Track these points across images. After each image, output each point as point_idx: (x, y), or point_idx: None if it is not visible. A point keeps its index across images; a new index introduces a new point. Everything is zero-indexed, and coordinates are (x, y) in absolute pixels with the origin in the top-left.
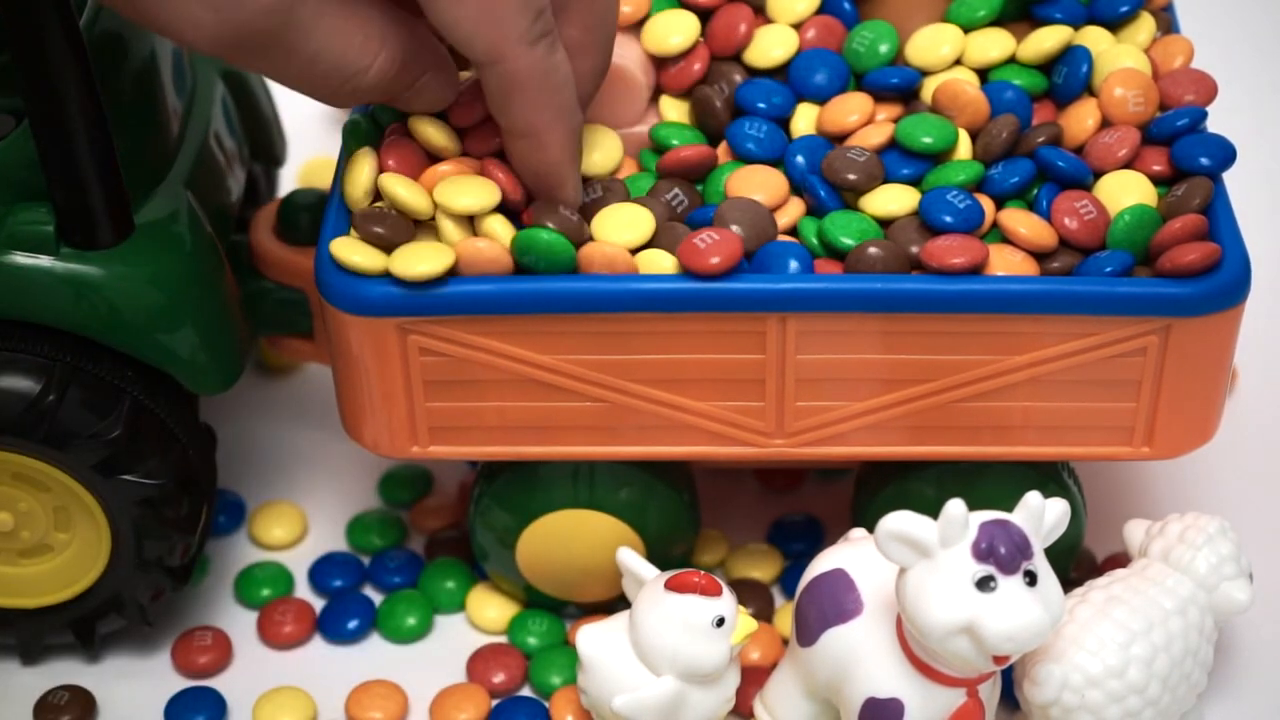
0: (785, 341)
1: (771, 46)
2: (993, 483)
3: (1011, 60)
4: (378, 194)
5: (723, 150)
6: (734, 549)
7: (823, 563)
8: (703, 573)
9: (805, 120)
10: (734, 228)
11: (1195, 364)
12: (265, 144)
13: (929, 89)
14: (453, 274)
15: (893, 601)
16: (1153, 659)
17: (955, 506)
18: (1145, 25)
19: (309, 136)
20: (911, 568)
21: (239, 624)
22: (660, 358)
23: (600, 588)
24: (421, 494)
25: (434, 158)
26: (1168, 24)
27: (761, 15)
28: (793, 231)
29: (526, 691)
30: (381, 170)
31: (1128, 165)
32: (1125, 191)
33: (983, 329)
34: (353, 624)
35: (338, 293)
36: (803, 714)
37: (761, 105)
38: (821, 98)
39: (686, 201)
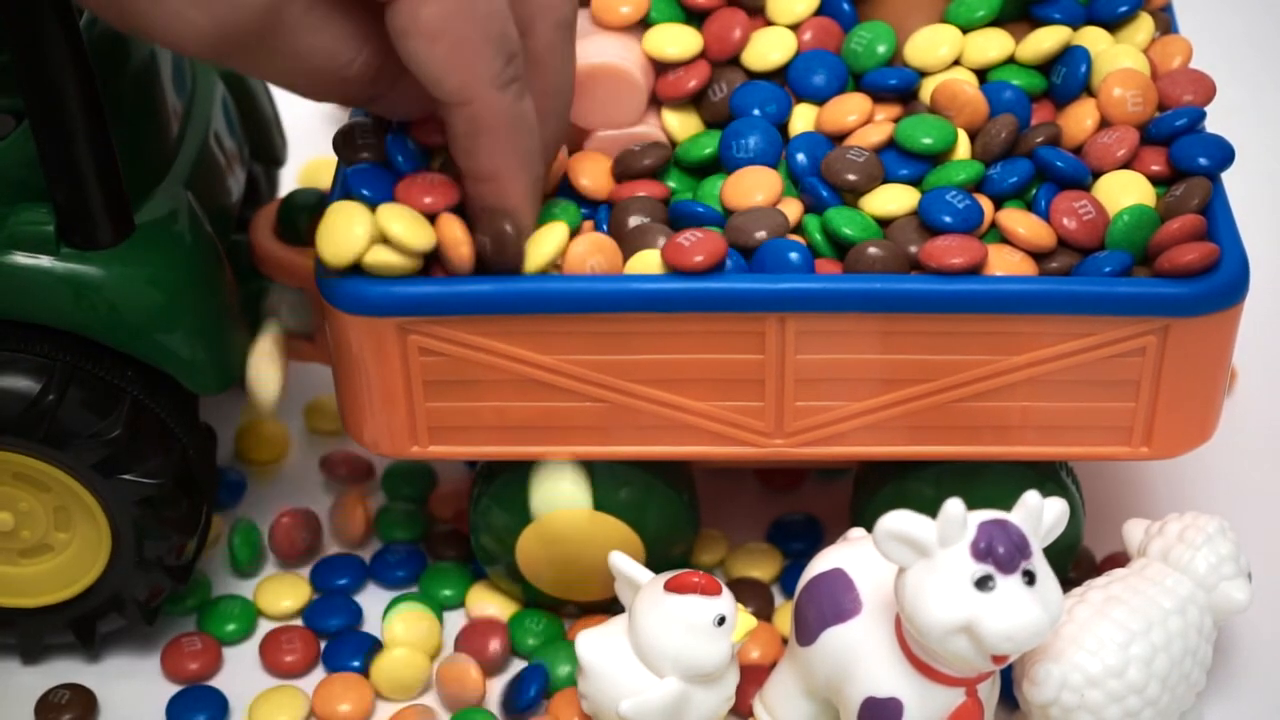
0: (784, 341)
1: (770, 49)
2: (992, 482)
3: (1010, 60)
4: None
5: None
6: (734, 549)
7: (822, 562)
8: (700, 573)
9: (803, 121)
10: (759, 234)
11: (1194, 364)
12: (265, 144)
13: (928, 89)
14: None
15: (891, 601)
16: (1152, 659)
17: (954, 506)
18: (1144, 25)
19: (309, 136)
20: (910, 567)
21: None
22: (660, 358)
23: (600, 588)
24: (427, 488)
25: None
26: (1166, 24)
27: (760, 16)
28: (795, 230)
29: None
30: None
31: (1126, 165)
32: (1124, 191)
33: (982, 329)
34: (355, 663)
35: (338, 292)
36: (802, 713)
37: (756, 112)
38: (820, 99)
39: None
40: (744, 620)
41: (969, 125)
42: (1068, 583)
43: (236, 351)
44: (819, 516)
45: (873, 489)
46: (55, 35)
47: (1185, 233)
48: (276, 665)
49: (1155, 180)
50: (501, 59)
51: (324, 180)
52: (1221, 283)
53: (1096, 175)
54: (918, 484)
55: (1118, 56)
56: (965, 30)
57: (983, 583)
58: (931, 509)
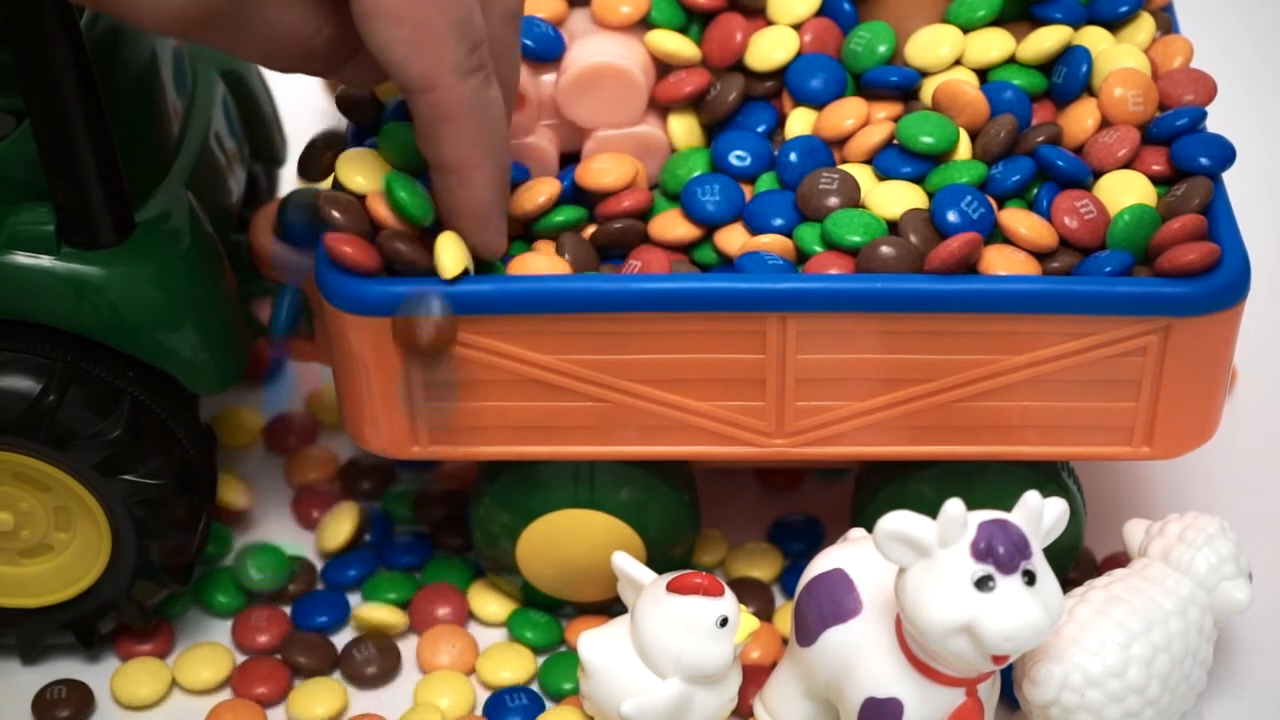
0: (785, 341)
1: (773, 48)
2: (992, 482)
3: (1011, 60)
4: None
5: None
6: (734, 549)
7: (822, 563)
8: (703, 573)
9: (800, 124)
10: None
11: (1195, 364)
12: (265, 144)
13: (929, 89)
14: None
15: (892, 601)
16: (1152, 659)
17: (954, 506)
18: (1145, 25)
19: (309, 136)
20: (910, 567)
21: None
22: (660, 358)
23: (600, 588)
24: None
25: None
26: (1167, 24)
27: (761, 17)
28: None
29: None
30: None
31: (1127, 165)
32: (1125, 191)
33: (983, 329)
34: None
35: (338, 292)
36: (802, 714)
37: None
38: (818, 103)
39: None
40: (746, 621)
41: (970, 125)
42: (1068, 583)
43: (236, 351)
44: (819, 516)
45: (873, 489)
46: (56, 35)
47: (1186, 232)
48: (251, 645)
49: (1156, 180)
50: (465, 46)
51: (323, 180)
52: (1222, 282)
53: (1097, 175)
54: (918, 484)
55: (1119, 56)
56: (966, 30)
57: (983, 583)
58: (932, 509)
